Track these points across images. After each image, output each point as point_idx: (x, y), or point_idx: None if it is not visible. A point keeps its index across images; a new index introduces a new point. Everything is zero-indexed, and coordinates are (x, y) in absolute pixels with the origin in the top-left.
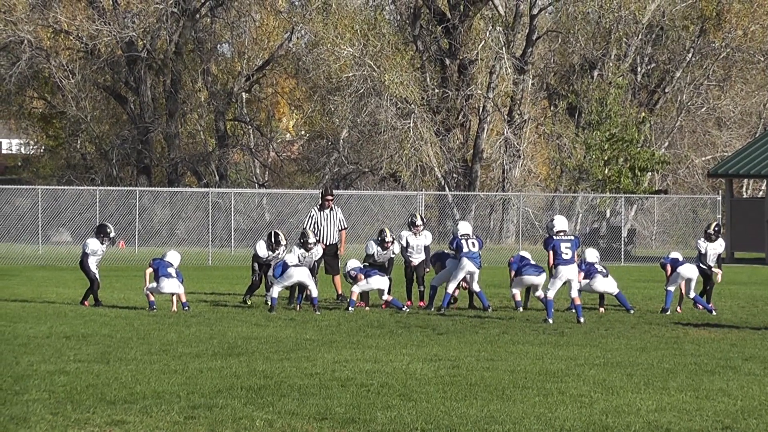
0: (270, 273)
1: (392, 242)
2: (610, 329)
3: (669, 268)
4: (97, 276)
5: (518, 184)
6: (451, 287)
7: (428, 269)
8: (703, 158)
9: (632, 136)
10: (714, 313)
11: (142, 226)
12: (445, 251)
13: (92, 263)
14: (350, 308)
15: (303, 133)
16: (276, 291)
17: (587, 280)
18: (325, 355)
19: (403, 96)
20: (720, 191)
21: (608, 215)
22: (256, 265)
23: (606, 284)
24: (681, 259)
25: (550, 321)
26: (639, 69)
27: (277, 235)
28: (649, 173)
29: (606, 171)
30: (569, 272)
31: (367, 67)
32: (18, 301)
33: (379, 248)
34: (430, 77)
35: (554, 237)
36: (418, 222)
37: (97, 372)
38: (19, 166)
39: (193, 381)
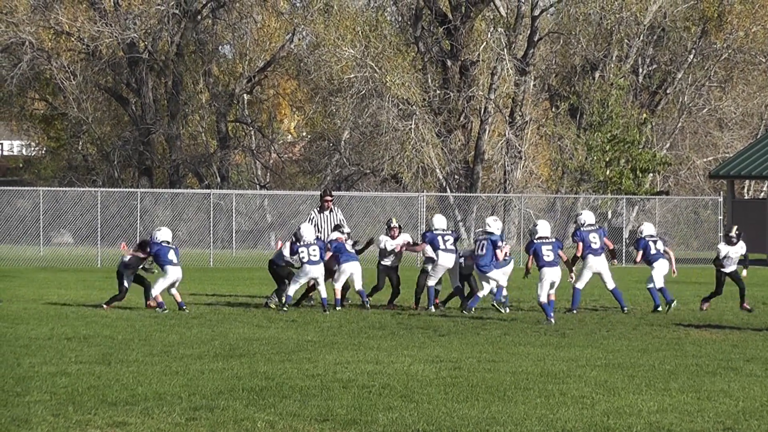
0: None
1: (399, 228)
2: (612, 330)
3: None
4: (127, 287)
5: (520, 185)
6: (431, 282)
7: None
8: (705, 159)
9: (634, 138)
10: (751, 311)
11: (144, 228)
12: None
13: (126, 275)
14: (337, 307)
15: (304, 134)
16: (293, 289)
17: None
18: (326, 357)
19: (404, 97)
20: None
21: (610, 216)
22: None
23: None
24: (653, 235)
25: (552, 321)
26: (640, 70)
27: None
28: (651, 174)
29: (607, 172)
30: (552, 273)
31: (369, 68)
32: (20, 302)
33: (388, 238)
34: (432, 78)
35: (535, 241)
36: (394, 224)
37: (99, 373)
38: (20, 167)
39: (195, 382)
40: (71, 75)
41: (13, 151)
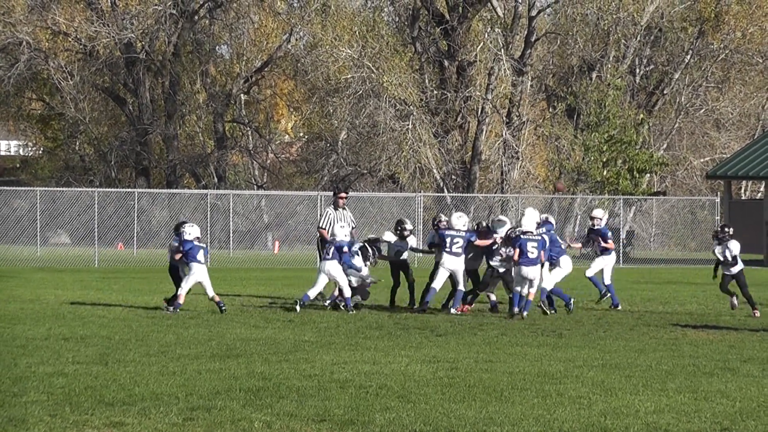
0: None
1: (410, 233)
2: (609, 331)
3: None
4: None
5: (517, 185)
6: (435, 284)
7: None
8: (702, 160)
9: (631, 138)
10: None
11: (141, 228)
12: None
13: (182, 270)
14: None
15: (302, 134)
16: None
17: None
18: (323, 357)
19: (401, 98)
20: (718, 193)
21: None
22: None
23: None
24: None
25: (524, 314)
26: (638, 70)
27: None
28: (648, 175)
29: (605, 172)
30: (531, 272)
31: (366, 68)
32: (16, 302)
33: (396, 238)
34: (429, 79)
35: (521, 236)
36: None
37: (96, 374)
38: (17, 167)
39: (192, 382)
40: (68, 75)
41: (10, 151)
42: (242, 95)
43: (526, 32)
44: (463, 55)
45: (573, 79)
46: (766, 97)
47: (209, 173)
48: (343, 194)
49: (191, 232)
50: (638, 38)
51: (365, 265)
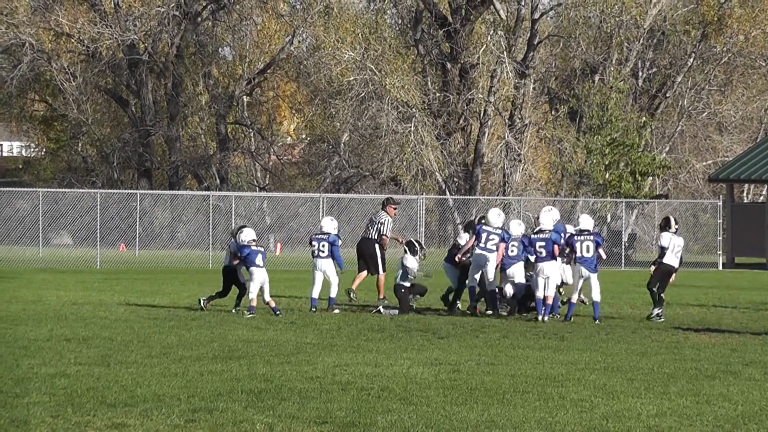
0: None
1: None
2: (611, 334)
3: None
4: (243, 282)
5: (519, 188)
6: (470, 282)
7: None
8: (704, 163)
9: (633, 141)
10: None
11: (143, 229)
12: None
13: (240, 273)
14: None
15: (304, 136)
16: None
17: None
18: (325, 359)
19: (404, 100)
20: (721, 196)
21: (609, 220)
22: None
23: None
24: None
25: (545, 319)
26: (640, 73)
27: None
28: (650, 178)
29: (607, 175)
30: (546, 268)
31: (368, 70)
32: (19, 303)
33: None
34: (431, 81)
35: (533, 235)
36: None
37: (98, 375)
38: (19, 168)
39: (194, 384)
40: (71, 76)
41: (12, 152)
42: (245, 97)
43: (528, 35)
44: (465, 57)
45: (575, 82)
46: None
47: (211, 175)
48: (395, 205)
49: (245, 236)
50: (641, 41)
51: (416, 259)
